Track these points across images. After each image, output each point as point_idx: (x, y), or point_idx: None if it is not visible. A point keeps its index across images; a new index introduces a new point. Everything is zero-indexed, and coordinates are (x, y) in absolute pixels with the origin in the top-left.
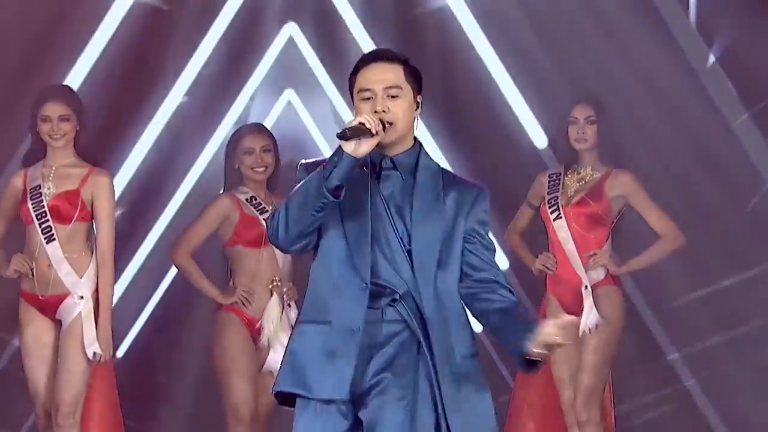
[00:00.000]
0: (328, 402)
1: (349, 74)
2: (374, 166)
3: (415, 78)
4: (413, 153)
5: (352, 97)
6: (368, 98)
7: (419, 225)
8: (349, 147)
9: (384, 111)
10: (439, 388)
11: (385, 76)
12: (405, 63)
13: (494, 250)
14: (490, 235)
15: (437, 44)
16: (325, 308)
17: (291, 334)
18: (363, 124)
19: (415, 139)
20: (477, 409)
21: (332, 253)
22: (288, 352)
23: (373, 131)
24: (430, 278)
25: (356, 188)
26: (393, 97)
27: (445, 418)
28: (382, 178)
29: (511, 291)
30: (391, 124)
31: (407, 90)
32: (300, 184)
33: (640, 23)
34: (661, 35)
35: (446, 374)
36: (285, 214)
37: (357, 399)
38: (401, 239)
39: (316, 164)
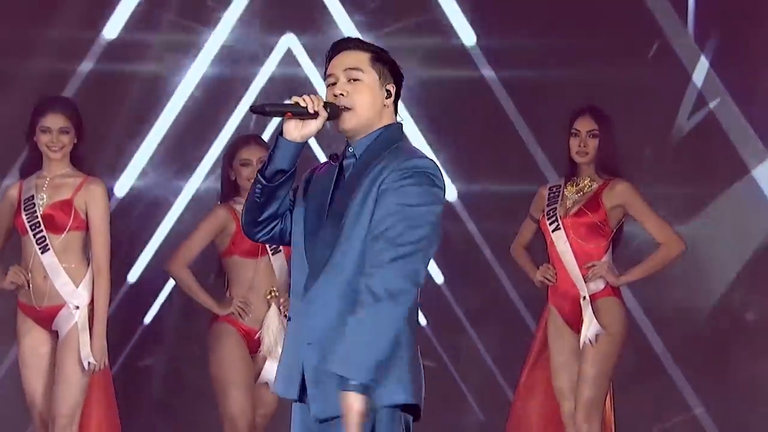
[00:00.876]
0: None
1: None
2: (342, 156)
3: (384, 65)
4: (370, 137)
5: None
6: (332, 84)
7: (328, 221)
8: (289, 129)
9: (342, 94)
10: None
11: (347, 59)
12: (372, 51)
13: (402, 215)
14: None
15: (435, 49)
16: (291, 305)
17: None
18: (298, 103)
19: (395, 123)
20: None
21: (294, 250)
22: None
23: (311, 110)
24: (318, 272)
25: (324, 181)
26: (353, 80)
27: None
28: (344, 168)
29: (371, 292)
30: (348, 109)
31: (370, 75)
32: None
33: (637, 32)
34: (659, 44)
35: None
36: (245, 203)
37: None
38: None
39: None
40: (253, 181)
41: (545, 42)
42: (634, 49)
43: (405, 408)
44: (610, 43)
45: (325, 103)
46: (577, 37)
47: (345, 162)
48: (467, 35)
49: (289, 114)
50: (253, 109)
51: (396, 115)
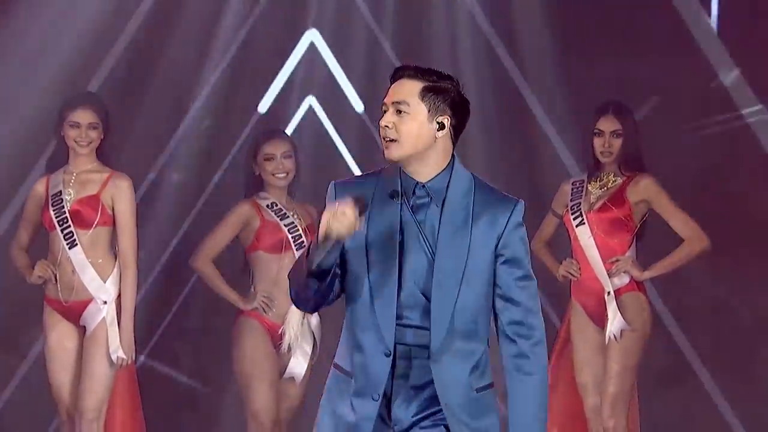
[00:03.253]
0: None
1: None
2: (407, 195)
3: (437, 95)
4: (445, 175)
5: None
6: (384, 112)
7: (441, 257)
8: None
9: (387, 126)
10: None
11: (397, 90)
12: (427, 80)
13: (529, 283)
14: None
15: (460, 48)
16: (349, 358)
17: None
18: (328, 236)
19: (453, 155)
20: None
21: (356, 296)
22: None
23: (333, 236)
24: (446, 319)
25: (385, 220)
26: (399, 112)
27: None
28: (415, 208)
29: (532, 332)
30: (393, 140)
31: (418, 107)
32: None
33: (661, 28)
34: (683, 41)
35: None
36: (289, 288)
37: None
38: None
39: (346, 184)
40: (295, 274)
41: (569, 37)
42: (658, 45)
43: None
44: (635, 40)
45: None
46: (602, 33)
47: (416, 202)
48: (489, 31)
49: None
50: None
51: (454, 145)
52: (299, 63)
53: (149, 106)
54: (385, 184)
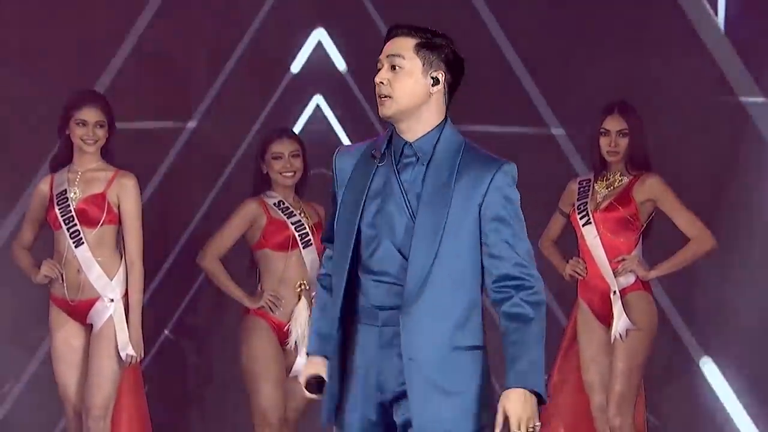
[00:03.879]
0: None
1: None
2: (395, 153)
3: (432, 51)
4: (434, 135)
5: None
6: (379, 69)
7: (422, 214)
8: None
9: (382, 82)
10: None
11: (392, 46)
12: (421, 36)
13: (518, 226)
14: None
15: (467, 45)
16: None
17: None
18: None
19: (446, 117)
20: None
21: (340, 250)
22: None
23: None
24: (422, 273)
25: (360, 182)
26: (394, 67)
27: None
28: (401, 166)
29: (525, 282)
30: (388, 96)
31: (413, 61)
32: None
33: (668, 28)
34: (690, 40)
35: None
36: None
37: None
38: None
39: (347, 149)
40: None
41: (576, 33)
42: (663, 41)
43: None
44: (640, 36)
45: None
46: (607, 29)
47: (403, 161)
48: (496, 30)
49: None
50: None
51: (448, 104)
52: (307, 61)
53: (158, 103)
54: (374, 147)
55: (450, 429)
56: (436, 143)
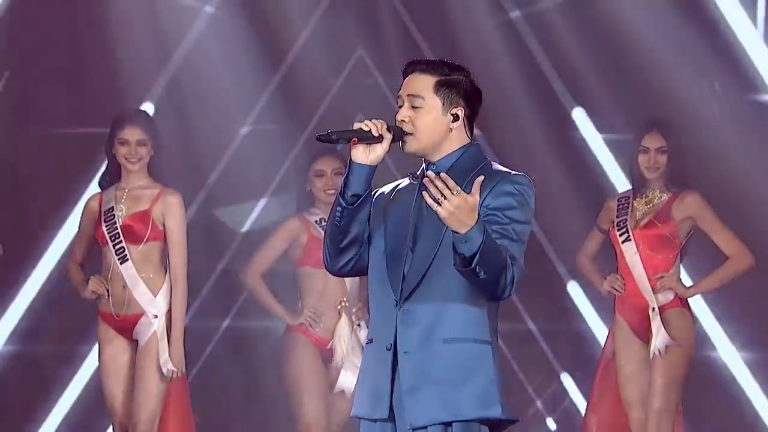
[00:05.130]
0: (374, 420)
1: None
2: (420, 173)
3: (450, 89)
4: (457, 154)
5: None
6: (400, 107)
7: (428, 214)
8: (358, 155)
9: (404, 120)
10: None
11: (411, 85)
12: (440, 73)
13: (507, 242)
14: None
15: (506, 63)
16: (372, 325)
17: None
18: (361, 129)
19: (471, 142)
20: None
21: (373, 267)
22: None
23: (375, 133)
24: (424, 264)
25: (403, 200)
26: (415, 107)
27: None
28: (424, 186)
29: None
30: (410, 134)
31: (433, 101)
32: None
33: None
34: (730, 54)
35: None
36: (324, 234)
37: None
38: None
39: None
40: (332, 205)
41: (614, 49)
42: (702, 55)
43: (483, 421)
44: (678, 51)
45: (388, 126)
46: (648, 47)
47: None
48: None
49: (355, 140)
50: (319, 137)
51: (470, 135)
52: (349, 81)
53: (202, 123)
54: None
55: (438, 418)
56: (456, 161)
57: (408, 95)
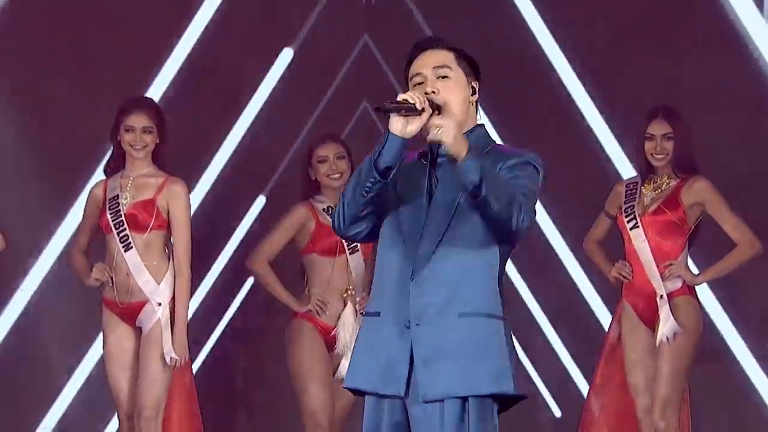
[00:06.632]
0: (383, 396)
1: (404, 67)
2: (432, 154)
3: (468, 63)
4: (466, 135)
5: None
6: (420, 83)
7: (440, 190)
8: (397, 126)
9: (434, 92)
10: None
11: (434, 57)
12: (455, 50)
13: (524, 173)
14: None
15: (513, 50)
16: (378, 299)
17: None
18: (407, 100)
19: (479, 124)
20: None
21: (385, 241)
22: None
23: (419, 107)
24: (436, 237)
25: (416, 179)
26: (443, 77)
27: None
28: (437, 166)
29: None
30: (442, 106)
31: (458, 72)
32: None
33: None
34: (736, 41)
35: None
36: (342, 198)
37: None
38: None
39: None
40: (348, 179)
41: (621, 39)
42: (711, 45)
43: (495, 397)
44: (683, 38)
45: (429, 101)
46: (653, 34)
47: (438, 160)
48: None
49: (403, 111)
50: (378, 108)
51: (477, 114)
52: (354, 68)
53: (208, 111)
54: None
55: (455, 392)
56: (470, 142)
57: (434, 67)
